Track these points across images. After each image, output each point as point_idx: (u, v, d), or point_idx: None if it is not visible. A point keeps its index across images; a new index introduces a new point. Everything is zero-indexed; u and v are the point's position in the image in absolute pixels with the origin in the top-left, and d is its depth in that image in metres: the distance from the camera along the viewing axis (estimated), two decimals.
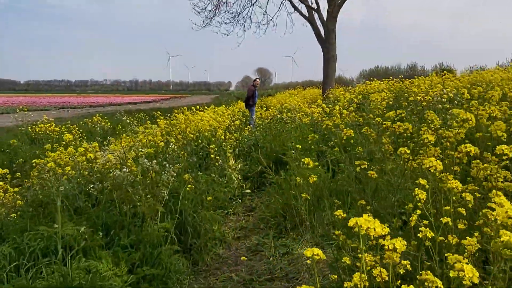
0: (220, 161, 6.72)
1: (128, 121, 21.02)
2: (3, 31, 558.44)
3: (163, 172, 4.72)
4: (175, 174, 4.63)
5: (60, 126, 16.93)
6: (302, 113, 10.81)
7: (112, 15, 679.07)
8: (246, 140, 10.42)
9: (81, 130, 18.48)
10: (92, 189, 4.54)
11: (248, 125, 12.97)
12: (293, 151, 6.23)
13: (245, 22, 29.88)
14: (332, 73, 27.39)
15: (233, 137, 8.34)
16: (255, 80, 19.10)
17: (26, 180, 7.18)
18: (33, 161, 6.79)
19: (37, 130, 15.20)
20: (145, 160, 4.60)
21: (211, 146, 6.81)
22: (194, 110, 12.34)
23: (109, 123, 20.58)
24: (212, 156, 6.60)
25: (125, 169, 4.62)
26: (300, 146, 6.24)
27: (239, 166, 6.53)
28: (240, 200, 6.49)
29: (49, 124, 15.79)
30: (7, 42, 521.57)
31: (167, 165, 5.02)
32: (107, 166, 5.24)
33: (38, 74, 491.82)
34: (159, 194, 4.33)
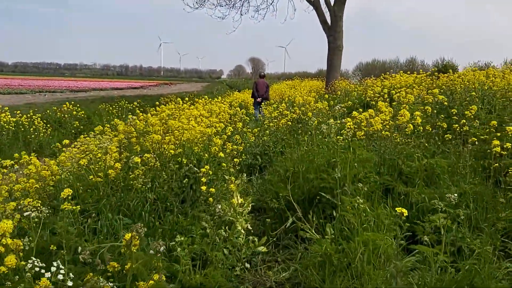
0: (217, 197, 4.07)
1: (106, 110, 18.09)
2: None
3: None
4: None
5: (21, 115, 14.04)
6: (312, 108, 8.19)
7: None
8: (250, 145, 7.73)
9: (46, 121, 15.63)
10: None
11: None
12: (343, 187, 3.61)
13: (242, 6, 27.10)
14: (338, 64, 24.77)
15: (234, 147, 5.63)
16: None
17: None
18: None
19: None
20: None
21: (202, 169, 4.13)
22: (181, 104, 9.56)
23: (82, 112, 17.66)
24: (203, 188, 3.92)
25: None
26: (348, 172, 3.66)
27: (248, 204, 3.84)
28: (248, 267, 3.82)
29: (4, 114, 12.88)
30: None
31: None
32: None
33: (29, 56, 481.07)
34: None
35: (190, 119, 5.80)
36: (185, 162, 4.39)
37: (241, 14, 27.06)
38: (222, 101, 12.26)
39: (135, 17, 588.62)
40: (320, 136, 5.49)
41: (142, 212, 3.66)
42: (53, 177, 4.14)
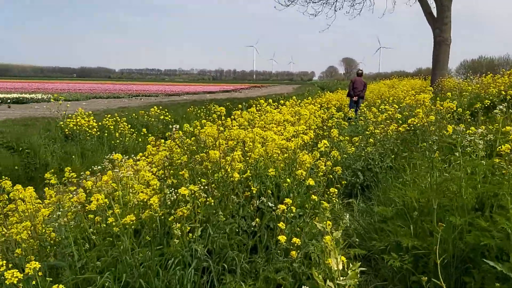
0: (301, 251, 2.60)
1: (194, 113, 17.34)
2: (107, 24, 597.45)
3: None
4: None
5: (108, 118, 13.72)
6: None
7: (200, 6, 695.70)
8: (348, 157, 6.10)
9: (132, 125, 15.26)
10: None
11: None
12: None
13: (336, 1, 25.26)
14: (445, 60, 21.83)
15: (329, 166, 4.07)
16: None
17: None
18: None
19: (71, 125, 12.01)
20: None
21: (281, 206, 2.67)
22: (264, 106, 8.17)
23: (169, 116, 17.15)
24: (282, 240, 2.45)
25: None
26: None
27: (354, 275, 2.32)
28: None
29: (87, 118, 12.55)
30: (105, 33, 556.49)
31: None
32: None
33: (133, 64, 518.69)
34: None
35: (268, 127, 4.37)
36: (255, 191, 2.98)
37: (335, 10, 25.25)
38: (313, 102, 10.67)
39: (230, 22, 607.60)
40: (456, 152, 3.72)
41: (184, 280, 2.29)
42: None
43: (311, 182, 3.16)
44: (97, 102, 30.19)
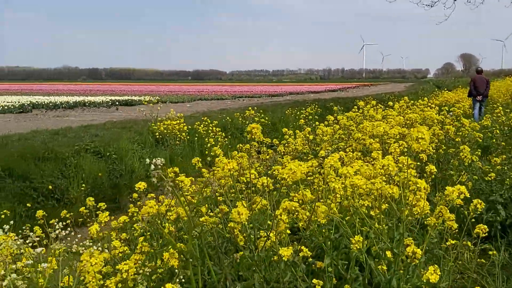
0: None
1: (293, 115, 15.99)
2: (219, 27, 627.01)
3: None
4: None
5: (199, 122, 13.08)
6: None
7: (308, 5, 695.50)
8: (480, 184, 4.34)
9: (224, 128, 14.49)
10: None
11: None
12: None
13: None
14: None
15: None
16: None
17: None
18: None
19: (161, 128, 11.50)
20: None
21: None
22: (368, 108, 6.59)
23: (265, 118, 16.12)
24: None
25: None
26: None
27: None
28: None
29: (178, 121, 11.97)
30: (218, 36, 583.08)
31: None
32: None
33: (243, 66, 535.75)
34: None
35: (366, 141, 2.90)
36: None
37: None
38: (428, 104, 8.71)
39: (337, 18, 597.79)
40: None
41: None
42: None
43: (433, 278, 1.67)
44: (200, 104, 30.52)
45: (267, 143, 7.03)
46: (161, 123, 11.69)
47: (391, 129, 4.05)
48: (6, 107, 21.18)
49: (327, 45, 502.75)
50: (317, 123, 7.02)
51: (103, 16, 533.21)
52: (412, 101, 8.34)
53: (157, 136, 11.54)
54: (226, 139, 13.18)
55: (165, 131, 11.52)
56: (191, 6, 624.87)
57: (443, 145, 4.45)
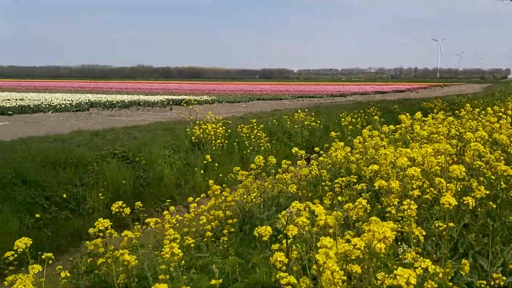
0: None
1: (349, 119, 14.57)
2: (286, 26, 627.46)
3: None
4: None
5: (243, 125, 12.19)
6: None
7: (379, 1, 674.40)
8: None
9: (271, 131, 13.49)
10: None
11: None
12: None
13: None
14: None
15: None
16: None
17: None
18: None
19: (197, 133, 10.73)
20: None
21: None
22: (415, 121, 5.28)
23: (315, 122, 14.92)
24: None
25: None
26: None
27: None
28: None
29: (216, 125, 11.14)
30: (286, 36, 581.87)
31: None
32: None
33: (311, 64, 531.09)
34: None
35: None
36: None
37: None
38: (503, 111, 7.10)
39: (411, 17, 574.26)
40: None
41: None
42: None
43: None
44: (257, 104, 29.75)
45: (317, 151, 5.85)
46: (198, 127, 10.92)
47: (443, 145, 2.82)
48: (63, 106, 21.68)
49: (399, 43, 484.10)
50: (367, 131, 5.78)
51: (176, 17, 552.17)
52: (479, 108, 6.79)
53: (193, 141, 10.78)
54: (270, 144, 12.20)
55: (201, 135, 10.73)
56: (261, 5, 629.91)
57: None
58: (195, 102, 13.92)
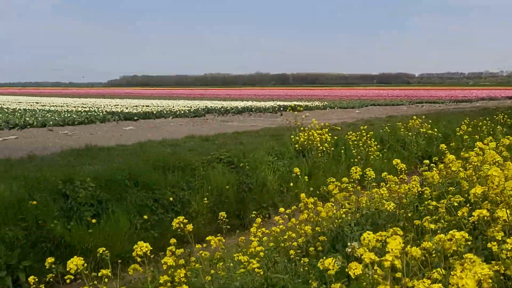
0: None
1: (465, 128, 13.14)
2: (406, 29, 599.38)
3: None
4: None
5: (351, 132, 11.73)
6: None
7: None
8: None
9: (382, 139, 12.74)
10: None
11: None
12: None
13: None
14: None
15: None
16: None
17: None
18: None
19: (301, 139, 10.54)
20: None
21: None
22: None
23: (435, 130, 13.78)
24: None
25: None
26: None
27: None
28: None
29: (322, 131, 10.83)
30: (404, 40, 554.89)
31: None
32: None
33: (434, 68, 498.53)
34: None
35: None
36: None
37: None
38: None
39: None
40: None
41: None
42: None
43: None
44: (371, 109, 28.61)
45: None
46: (303, 133, 10.71)
47: None
48: (182, 112, 23.13)
49: None
50: (481, 144, 5.05)
51: (293, 24, 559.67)
52: None
53: (297, 148, 10.59)
54: (380, 152, 11.51)
55: (305, 142, 10.50)
56: (384, 8, 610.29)
57: None
58: (301, 109, 13.66)
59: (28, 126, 17.03)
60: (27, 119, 18.69)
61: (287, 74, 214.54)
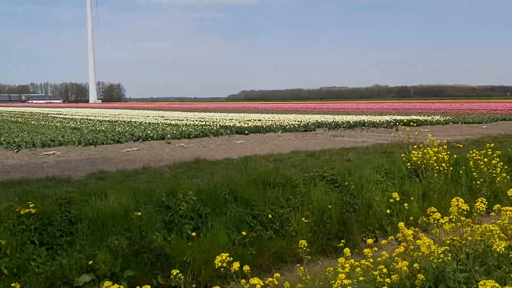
0: None
1: None
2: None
3: None
4: None
5: (475, 150, 10.50)
6: None
7: None
8: None
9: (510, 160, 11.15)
10: None
11: None
12: None
13: None
14: None
15: None
16: None
17: None
18: None
19: (414, 158, 9.67)
20: None
21: None
22: None
23: None
24: None
25: None
26: None
27: None
28: None
29: (439, 148, 9.82)
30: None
31: None
32: None
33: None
34: None
35: None
36: None
37: None
38: None
39: None
40: None
41: None
42: None
43: None
44: (501, 124, 25.68)
45: None
46: (416, 151, 9.82)
47: None
48: (292, 126, 23.07)
49: None
50: None
51: (414, 34, 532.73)
52: None
53: (409, 167, 9.74)
54: (508, 174, 10.08)
55: (419, 161, 9.61)
56: None
57: None
58: (414, 124, 12.64)
59: (149, 139, 18.36)
60: (148, 132, 20.19)
61: (408, 86, 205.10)
